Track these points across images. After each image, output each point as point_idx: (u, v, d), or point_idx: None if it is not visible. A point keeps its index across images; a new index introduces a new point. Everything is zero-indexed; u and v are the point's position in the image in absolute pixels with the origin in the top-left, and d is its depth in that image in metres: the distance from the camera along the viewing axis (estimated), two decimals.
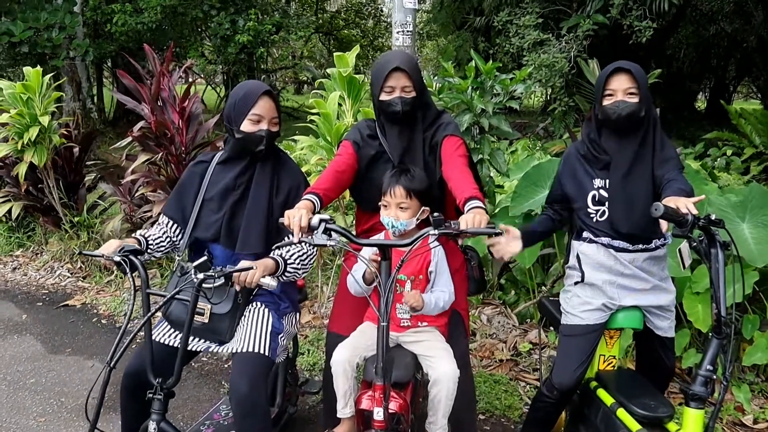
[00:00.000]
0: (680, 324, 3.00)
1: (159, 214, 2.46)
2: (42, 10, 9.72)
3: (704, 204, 2.99)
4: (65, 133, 5.07)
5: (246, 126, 2.15)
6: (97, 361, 3.59)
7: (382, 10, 18.71)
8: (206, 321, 2.14)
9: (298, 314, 2.46)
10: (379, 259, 1.91)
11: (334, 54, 3.61)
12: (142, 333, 1.91)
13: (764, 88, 14.00)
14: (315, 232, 1.87)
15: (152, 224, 4.09)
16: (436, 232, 1.79)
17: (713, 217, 1.76)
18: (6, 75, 10.42)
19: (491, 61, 3.52)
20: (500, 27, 8.41)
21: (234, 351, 2.15)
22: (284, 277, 2.13)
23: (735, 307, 2.25)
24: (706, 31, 11.72)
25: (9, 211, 5.16)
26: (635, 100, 2.09)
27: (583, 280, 2.26)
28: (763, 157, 6.91)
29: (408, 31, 5.28)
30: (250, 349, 2.12)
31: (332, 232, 1.89)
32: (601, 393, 2.23)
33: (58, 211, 5.10)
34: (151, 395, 1.91)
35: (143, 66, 4.72)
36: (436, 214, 1.80)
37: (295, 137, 4.08)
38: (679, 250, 1.92)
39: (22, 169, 4.70)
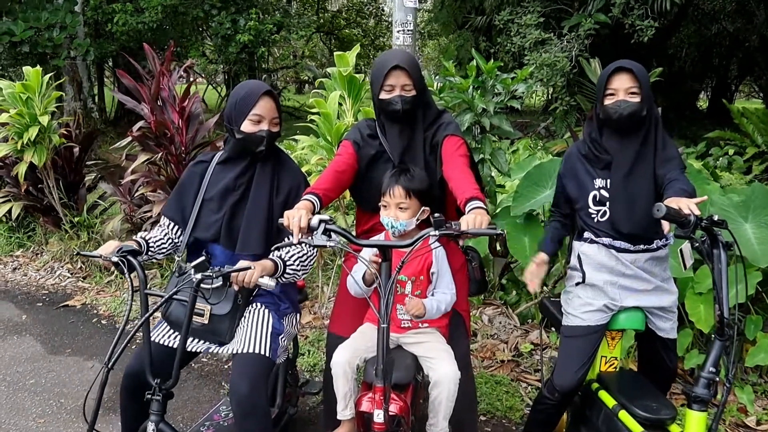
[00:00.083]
0: (682, 325, 2.99)
1: (159, 214, 2.44)
2: (43, 9, 9.74)
3: (706, 204, 2.97)
4: (65, 132, 5.06)
5: (246, 126, 2.14)
6: (96, 362, 3.58)
7: (383, 10, 18.73)
8: (206, 322, 2.13)
9: (298, 315, 2.45)
10: (380, 260, 1.90)
11: (335, 53, 3.60)
12: (141, 333, 1.90)
13: (766, 87, 13.99)
14: (315, 232, 1.86)
15: (152, 224, 4.09)
16: (437, 233, 1.78)
17: (716, 217, 1.75)
18: (7, 75, 10.42)
19: (492, 61, 3.51)
20: (501, 26, 8.42)
21: (234, 352, 2.14)
22: (283, 279, 2.12)
23: (738, 308, 2.24)
24: (708, 30, 11.72)
25: (9, 211, 5.14)
26: (637, 99, 2.07)
27: (584, 281, 2.25)
28: (765, 157, 6.90)
29: (409, 30, 5.27)
30: (251, 350, 2.11)
31: (332, 233, 1.88)
32: (603, 394, 2.21)
33: (58, 211, 5.09)
34: (149, 396, 1.90)
35: (144, 66, 4.71)
36: (436, 214, 1.78)
37: (296, 137, 4.07)
38: (680, 250, 1.91)
39: (22, 169, 4.69)
